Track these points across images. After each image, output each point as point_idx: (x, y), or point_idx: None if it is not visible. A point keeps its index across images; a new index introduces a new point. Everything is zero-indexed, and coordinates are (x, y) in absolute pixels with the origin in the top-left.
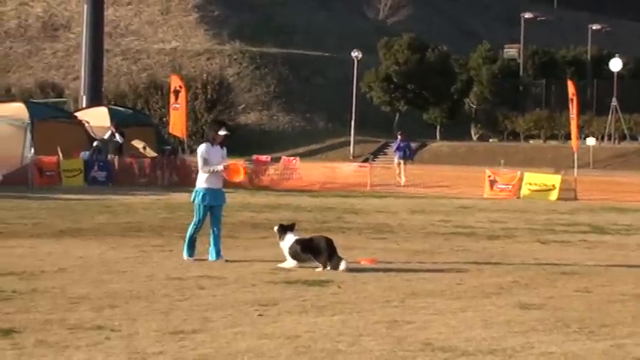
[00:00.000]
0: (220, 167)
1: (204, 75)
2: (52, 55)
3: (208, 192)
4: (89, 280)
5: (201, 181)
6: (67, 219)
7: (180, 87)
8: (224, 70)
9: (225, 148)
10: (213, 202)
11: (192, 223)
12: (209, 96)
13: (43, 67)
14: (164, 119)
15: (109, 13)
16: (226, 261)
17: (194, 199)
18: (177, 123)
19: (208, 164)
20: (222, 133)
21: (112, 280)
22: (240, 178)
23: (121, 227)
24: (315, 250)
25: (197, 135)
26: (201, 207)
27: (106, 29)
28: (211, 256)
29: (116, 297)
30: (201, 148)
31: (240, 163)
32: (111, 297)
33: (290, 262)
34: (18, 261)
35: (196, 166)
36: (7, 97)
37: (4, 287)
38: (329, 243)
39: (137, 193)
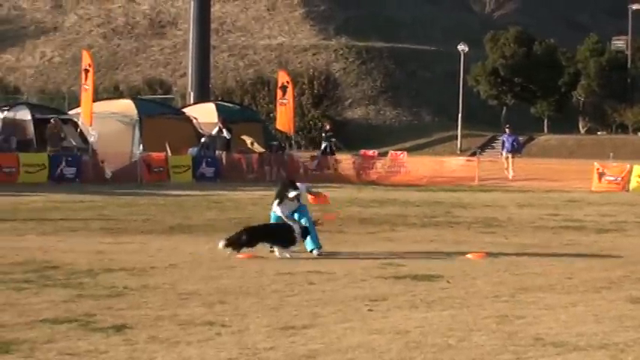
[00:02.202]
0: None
1: (311, 70)
2: (159, 52)
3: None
4: (199, 276)
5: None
6: (177, 215)
7: (287, 82)
8: (330, 66)
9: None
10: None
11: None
12: (315, 91)
13: (150, 64)
14: (271, 115)
15: (215, 9)
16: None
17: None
18: (284, 118)
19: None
20: (292, 195)
21: (222, 275)
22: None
23: (229, 223)
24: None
25: (304, 130)
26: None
27: (213, 26)
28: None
29: (226, 293)
30: (276, 209)
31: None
32: (221, 293)
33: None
34: (129, 257)
35: (304, 162)
36: (116, 94)
37: (116, 283)
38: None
39: (245, 189)
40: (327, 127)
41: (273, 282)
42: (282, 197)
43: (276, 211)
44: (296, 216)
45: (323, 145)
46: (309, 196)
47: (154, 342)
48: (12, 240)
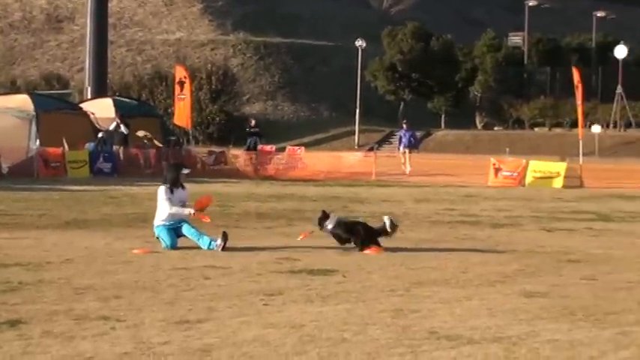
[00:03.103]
0: (187, 212)
1: (209, 65)
2: (57, 46)
3: (167, 227)
4: (95, 271)
5: (160, 219)
6: (73, 210)
7: (185, 77)
8: (228, 61)
9: (187, 189)
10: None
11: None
12: (214, 86)
13: (47, 59)
14: (169, 110)
15: (113, 4)
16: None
17: (158, 237)
18: (182, 114)
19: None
20: (185, 172)
21: (118, 270)
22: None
23: (126, 218)
24: None
25: (202, 125)
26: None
27: (111, 20)
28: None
29: (122, 287)
30: (161, 192)
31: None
32: (116, 287)
33: None
34: (24, 252)
35: (202, 157)
36: (12, 89)
37: (11, 278)
38: None
39: (143, 184)
40: (253, 122)
41: (169, 277)
42: (173, 181)
43: (161, 190)
44: (185, 230)
45: (247, 141)
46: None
47: (48, 336)
48: None
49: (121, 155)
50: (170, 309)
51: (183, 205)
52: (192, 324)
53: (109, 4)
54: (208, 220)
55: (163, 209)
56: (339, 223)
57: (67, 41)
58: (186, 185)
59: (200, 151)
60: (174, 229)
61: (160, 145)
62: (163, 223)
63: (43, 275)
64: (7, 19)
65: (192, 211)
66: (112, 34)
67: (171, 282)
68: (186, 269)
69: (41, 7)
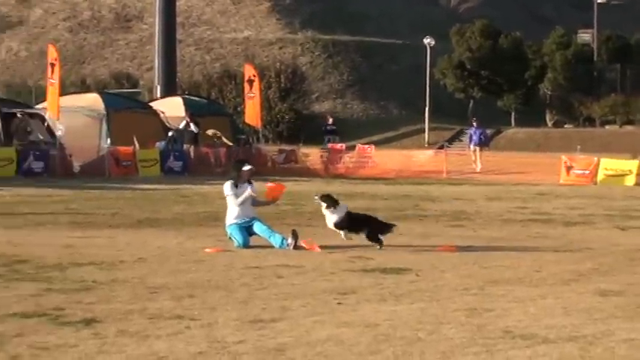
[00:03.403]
0: (247, 193)
1: (277, 64)
2: (126, 45)
3: (239, 226)
4: (168, 270)
5: (231, 218)
6: (145, 209)
7: (254, 76)
8: (297, 59)
9: (253, 184)
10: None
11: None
12: (282, 85)
13: (117, 58)
14: (238, 108)
15: (181, 3)
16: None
17: (230, 236)
18: (251, 112)
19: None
20: (246, 168)
21: (191, 269)
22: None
23: (197, 217)
24: None
25: (271, 124)
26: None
27: (179, 19)
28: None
29: (195, 286)
30: (226, 187)
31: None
32: (190, 286)
33: None
34: (97, 251)
35: (272, 155)
36: (83, 88)
37: (85, 277)
38: None
39: (213, 183)
40: (330, 120)
41: (242, 275)
42: (236, 176)
43: (226, 186)
44: (256, 227)
45: (325, 139)
46: (267, 189)
47: (123, 335)
48: None
49: (192, 154)
50: (244, 308)
51: (254, 199)
52: (266, 323)
53: (177, 3)
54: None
55: (231, 206)
56: (349, 215)
57: (136, 40)
58: (256, 184)
59: (270, 149)
60: (246, 228)
61: (230, 144)
62: (235, 221)
63: (117, 274)
64: (76, 19)
65: (250, 191)
66: (181, 32)
67: (244, 281)
68: (259, 268)
69: (110, 7)
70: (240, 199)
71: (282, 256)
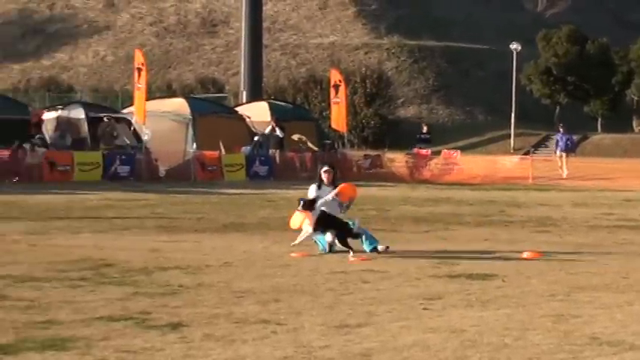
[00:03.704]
0: (330, 196)
1: (363, 69)
2: (212, 50)
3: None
4: (253, 275)
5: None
6: (230, 213)
7: (339, 81)
8: (382, 64)
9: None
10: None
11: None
12: (368, 90)
13: (202, 63)
14: (324, 113)
15: (267, 8)
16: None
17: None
18: (337, 117)
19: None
20: (322, 169)
21: (276, 274)
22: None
23: (283, 221)
24: None
25: (357, 129)
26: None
27: (265, 24)
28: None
29: (281, 291)
30: (311, 189)
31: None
32: (275, 291)
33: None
34: (183, 255)
35: (357, 161)
36: (169, 92)
37: (171, 281)
38: None
39: (298, 188)
40: (425, 128)
41: (328, 280)
42: (319, 179)
43: (310, 189)
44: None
45: (417, 147)
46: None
47: (209, 340)
48: (67, 238)
49: (277, 159)
50: (329, 313)
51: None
52: (351, 328)
53: (264, 8)
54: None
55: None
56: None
57: (222, 45)
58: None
59: (355, 154)
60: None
61: (315, 149)
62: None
63: (203, 278)
64: (162, 24)
65: (334, 193)
66: (267, 37)
67: (329, 286)
68: (344, 273)
69: (196, 12)
70: (321, 200)
71: (368, 261)
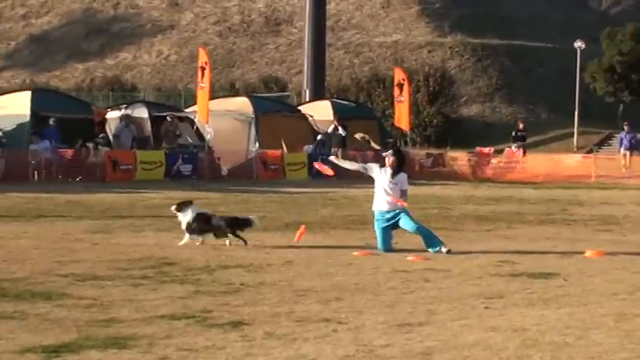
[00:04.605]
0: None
1: (426, 67)
2: (275, 49)
3: (383, 223)
4: (315, 273)
5: (376, 203)
6: (292, 212)
7: (403, 80)
8: (446, 63)
9: (403, 174)
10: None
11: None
12: (431, 89)
13: (266, 62)
14: (387, 112)
15: (330, 7)
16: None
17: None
18: (401, 116)
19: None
20: (385, 153)
21: (338, 272)
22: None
23: (345, 220)
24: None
25: (419, 128)
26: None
27: (328, 23)
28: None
29: (342, 290)
30: (373, 166)
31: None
32: (337, 290)
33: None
34: (245, 254)
35: (420, 159)
36: (232, 91)
37: (233, 280)
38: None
39: (361, 186)
40: (521, 125)
41: (389, 279)
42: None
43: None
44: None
45: (513, 146)
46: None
47: (270, 338)
48: (129, 236)
49: (340, 157)
50: (391, 312)
51: (402, 192)
52: (413, 327)
53: (327, 7)
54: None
55: (376, 189)
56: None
57: (285, 44)
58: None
59: (418, 153)
60: (391, 224)
61: (378, 148)
62: (379, 209)
63: (264, 277)
64: (226, 23)
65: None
66: (330, 36)
67: (391, 285)
68: (406, 272)
69: (260, 11)
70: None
71: (430, 260)
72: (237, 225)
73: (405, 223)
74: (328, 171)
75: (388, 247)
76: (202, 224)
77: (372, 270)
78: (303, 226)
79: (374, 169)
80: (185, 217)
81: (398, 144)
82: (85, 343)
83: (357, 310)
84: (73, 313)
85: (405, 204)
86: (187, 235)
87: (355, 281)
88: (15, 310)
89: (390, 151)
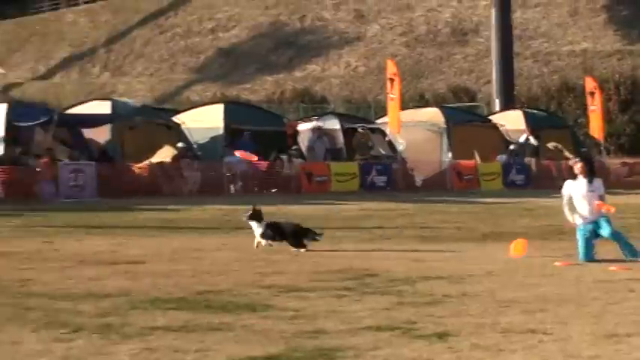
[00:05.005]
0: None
1: (616, 76)
2: (463, 59)
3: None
4: (517, 284)
5: (577, 216)
6: (488, 222)
7: (594, 88)
8: (636, 70)
9: (595, 180)
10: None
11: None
12: (622, 97)
13: (454, 72)
14: (578, 121)
15: (516, 15)
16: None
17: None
18: (594, 125)
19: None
20: (571, 161)
21: (540, 283)
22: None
23: (542, 230)
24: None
25: (612, 137)
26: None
27: (515, 32)
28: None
29: (545, 300)
30: (565, 185)
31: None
32: (540, 300)
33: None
34: (445, 265)
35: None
36: (421, 102)
37: (435, 291)
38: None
39: (556, 196)
40: None
41: (592, 289)
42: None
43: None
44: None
45: None
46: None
47: (477, 349)
48: (328, 248)
49: (534, 167)
50: (597, 322)
51: (600, 198)
52: (621, 337)
53: (513, 16)
54: (612, 211)
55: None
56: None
57: (473, 54)
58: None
59: (612, 162)
60: (592, 234)
61: (571, 157)
62: (580, 222)
63: (466, 288)
64: (413, 34)
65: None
66: (517, 45)
67: (594, 295)
68: (609, 282)
69: (446, 21)
70: (566, 197)
71: (632, 269)
72: (303, 235)
73: (602, 228)
74: (251, 156)
75: (590, 258)
76: (274, 232)
77: (573, 280)
78: (524, 240)
79: (567, 187)
80: (259, 229)
81: (592, 153)
82: (292, 355)
83: (562, 320)
84: (278, 325)
85: (613, 209)
86: (264, 241)
87: (558, 292)
88: (221, 322)
89: (578, 158)
